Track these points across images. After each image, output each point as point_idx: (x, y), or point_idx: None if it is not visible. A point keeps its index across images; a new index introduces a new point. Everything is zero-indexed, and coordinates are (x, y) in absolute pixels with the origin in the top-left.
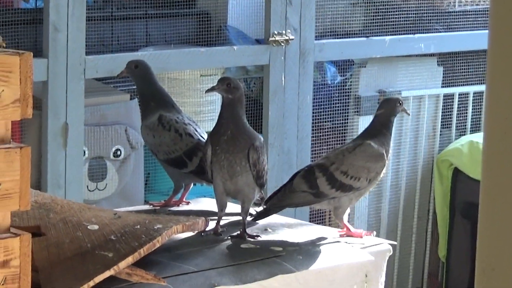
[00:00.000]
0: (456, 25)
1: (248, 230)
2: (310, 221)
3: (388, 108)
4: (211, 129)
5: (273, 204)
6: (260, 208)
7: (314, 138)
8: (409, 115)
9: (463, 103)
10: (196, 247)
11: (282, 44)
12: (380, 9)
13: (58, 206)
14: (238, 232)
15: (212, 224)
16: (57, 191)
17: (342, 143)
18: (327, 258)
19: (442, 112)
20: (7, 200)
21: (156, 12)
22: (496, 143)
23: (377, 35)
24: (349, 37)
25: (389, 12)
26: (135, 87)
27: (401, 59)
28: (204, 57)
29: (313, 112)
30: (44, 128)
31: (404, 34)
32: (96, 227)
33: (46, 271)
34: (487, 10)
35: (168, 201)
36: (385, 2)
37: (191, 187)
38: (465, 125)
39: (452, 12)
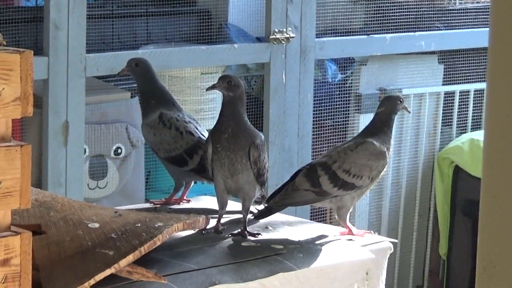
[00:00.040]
0: (456, 23)
1: (249, 228)
2: (311, 219)
3: (388, 106)
4: (212, 127)
5: (276, 203)
6: (260, 206)
7: (314, 136)
8: (409, 113)
9: (463, 101)
10: (197, 245)
11: (283, 42)
12: (381, 7)
13: (59, 204)
14: (239, 230)
15: (212, 222)
16: (57, 189)
17: (342, 141)
18: (328, 256)
19: (442, 110)
20: (7, 198)
21: (156, 10)
22: (496, 141)
23: (377, 33)
24: (350, 35)
25: (390, 10)
26: (135, 85)
27: (401, 57)
28: (204, 55)
29: (313, 110)
30: (45, 126)
31: (404, 32)
32: (96, 225)
33: (47, 269)
34: (488, 8)
35: (168, 199)
36: None
37: (191, 185)
38: (466, 123)
39: (453, 9)
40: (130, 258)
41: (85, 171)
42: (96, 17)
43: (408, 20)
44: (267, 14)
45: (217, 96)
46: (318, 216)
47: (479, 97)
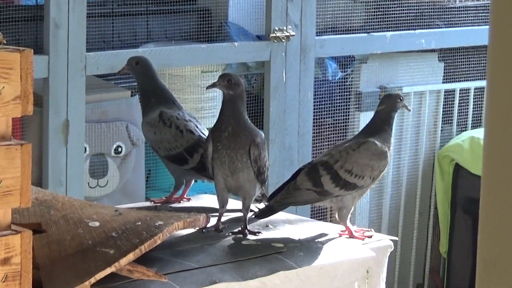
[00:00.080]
0: (457, 20)
1: (249, 227)
2: (311, 218)
3: (389, 104)
4: (212, 125)
5: (277, 202)
6: (261, 205)
7: (315, 134)
8: (410, 111)
9: (464, 99)
10: (197, 244)
11: (283, 40)
12: (381, 5)
13: (59, 203)
14: (239, 228)
15: (213, 221)
16: (58, 188)
17: (343, 139)
18: (328, 254)
19: (443, 108)
20: (8, 197)
21: (157, 9)
22: (497, 139)
23: (378, 31)
24: (350, 33)
25: (390, 8)
26: (136, 83)
27: (402, 55)
28: (205, 53)
29: (314, 108)
30: (45, 125)
31: (405, 30)
32: (97, 224)
33: (47, 268)
34: (488, 6)
35: (169, 198)
36: None
37: (192, 184)
38: (466, 121)
39: (453, 7)
40: (131, 256)
41: (85, 170)
42: (96, 15)
43: (408, 18)
44: (267, 12)
45: (218, 94)
46: (318, 215)
47: (479, 95)
